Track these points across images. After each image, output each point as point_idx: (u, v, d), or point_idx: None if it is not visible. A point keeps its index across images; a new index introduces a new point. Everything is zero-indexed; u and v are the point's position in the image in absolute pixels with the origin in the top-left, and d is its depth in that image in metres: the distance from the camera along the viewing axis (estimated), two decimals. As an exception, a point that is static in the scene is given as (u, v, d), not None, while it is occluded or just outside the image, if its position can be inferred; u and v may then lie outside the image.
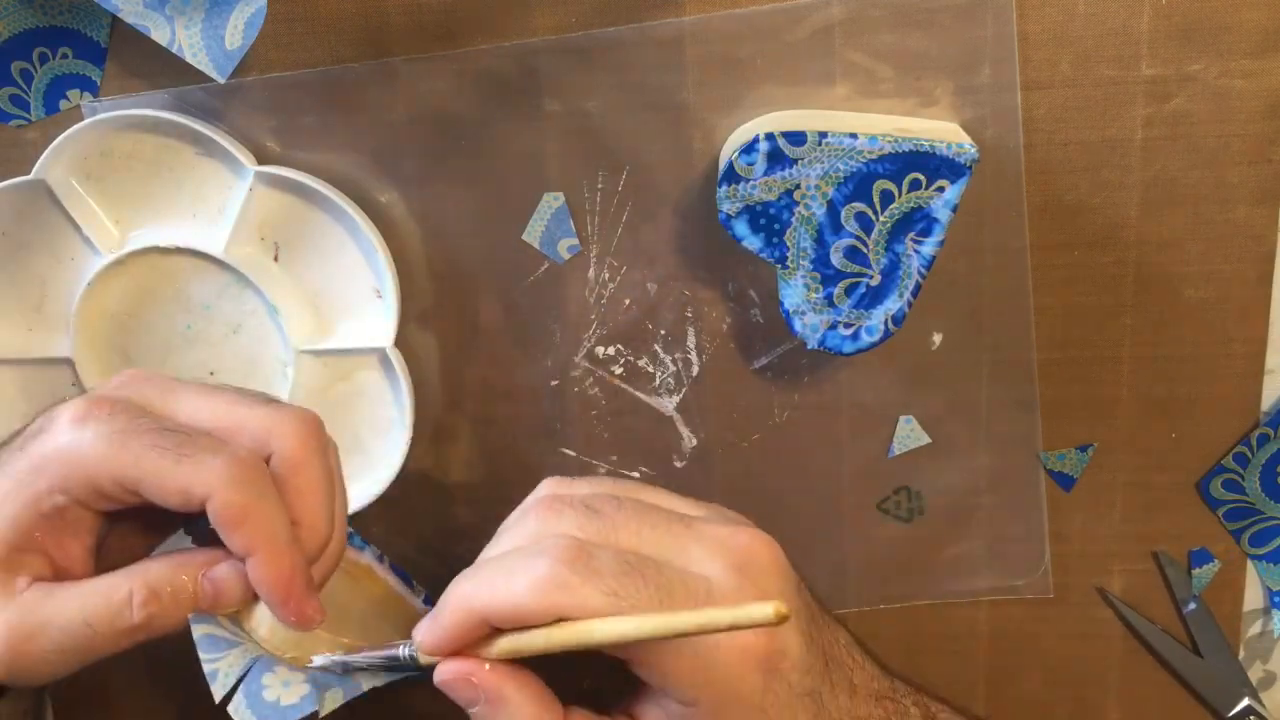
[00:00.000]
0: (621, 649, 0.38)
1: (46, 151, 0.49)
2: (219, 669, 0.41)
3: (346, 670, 0.43)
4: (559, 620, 0.37)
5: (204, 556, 0.41)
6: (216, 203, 0.51)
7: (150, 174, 0.50)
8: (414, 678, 0.43)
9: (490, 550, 0.41)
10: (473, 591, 0.38)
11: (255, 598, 0.41)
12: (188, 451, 0.39)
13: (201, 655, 0.41)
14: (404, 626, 0.47)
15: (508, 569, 0.38)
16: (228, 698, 0.41)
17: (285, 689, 0.42)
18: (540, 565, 0.37)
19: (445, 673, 0.39)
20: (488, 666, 0.38)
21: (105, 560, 0.42)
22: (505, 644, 0.38)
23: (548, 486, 0.43)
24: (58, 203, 0.50)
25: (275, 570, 0.40)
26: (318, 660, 0.43)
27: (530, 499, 0.43)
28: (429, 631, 0.39)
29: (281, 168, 0.50)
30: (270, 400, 0.42)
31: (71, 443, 0.39)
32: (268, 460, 0.41)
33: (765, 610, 0.34)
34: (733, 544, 0.40)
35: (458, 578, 0.40)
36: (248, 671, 0.42)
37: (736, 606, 0.35)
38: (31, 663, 0.40)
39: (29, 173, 0.50)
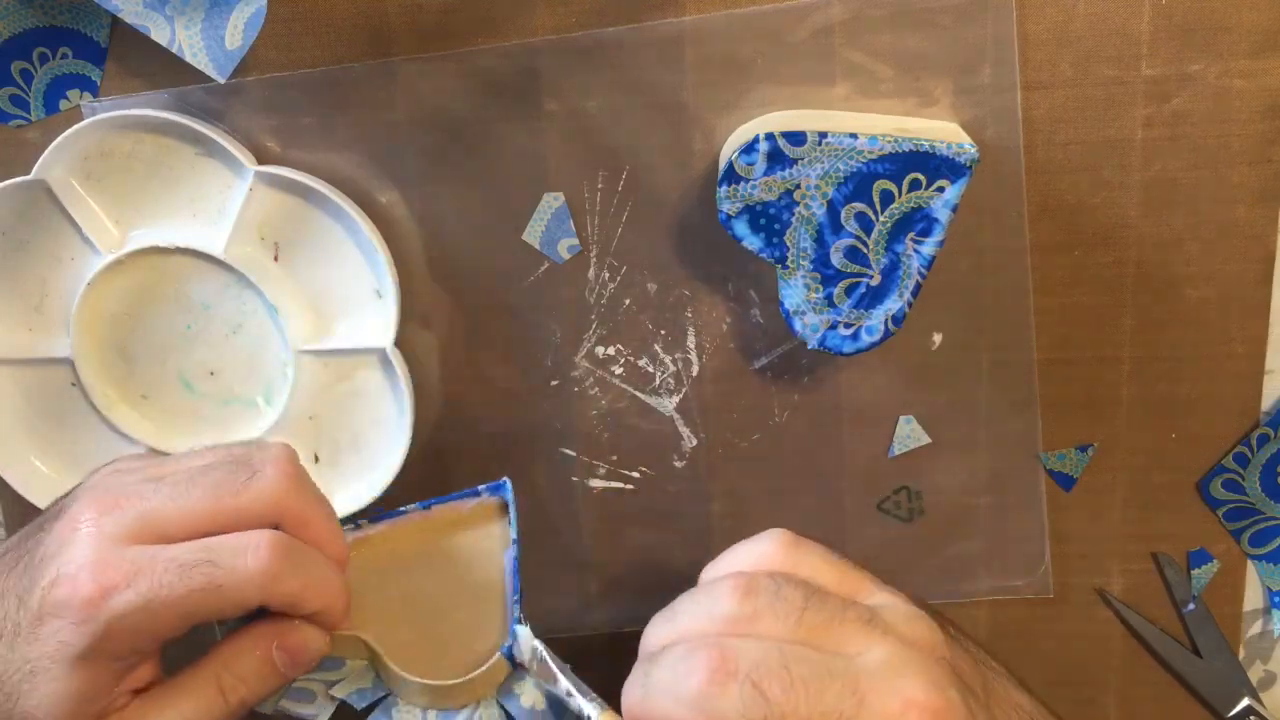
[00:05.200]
0: None
1: (47, 151, 0.49)
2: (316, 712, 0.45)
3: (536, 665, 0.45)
4: None
5: (270, 628, 0.43)
6: (216, 203, 0.51)
7: (150, 174, 0.50)
8: None
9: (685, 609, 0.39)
10: (641, 705, 0.38)
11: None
12: (220, 577, 0.40)
13: (297, 712, 0.45)
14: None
15: (655, 693, 0.37)
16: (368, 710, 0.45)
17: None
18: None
19: None
20: None
21: None
22: None
23: (769, 554, 0.40)
24: (58, 203, 0.50)
25: (334, 619, 0.44)
26: (520, 633, 0.46)
27: (747, 562, 0.40)
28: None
29: (281, 168, 0.50)
30: (240, 462, 0.43)
31: (116, 620, 0.39)
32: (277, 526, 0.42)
33: None
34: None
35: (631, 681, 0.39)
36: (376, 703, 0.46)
37: None
38: None
39: (29, 173, 0.50)
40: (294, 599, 0.42)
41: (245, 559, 0.40)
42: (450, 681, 0.45)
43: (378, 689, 0.46)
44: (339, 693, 0.46)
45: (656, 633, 0.40)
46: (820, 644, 0.38)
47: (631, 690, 0.39)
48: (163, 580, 0.40)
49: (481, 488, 0.49)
